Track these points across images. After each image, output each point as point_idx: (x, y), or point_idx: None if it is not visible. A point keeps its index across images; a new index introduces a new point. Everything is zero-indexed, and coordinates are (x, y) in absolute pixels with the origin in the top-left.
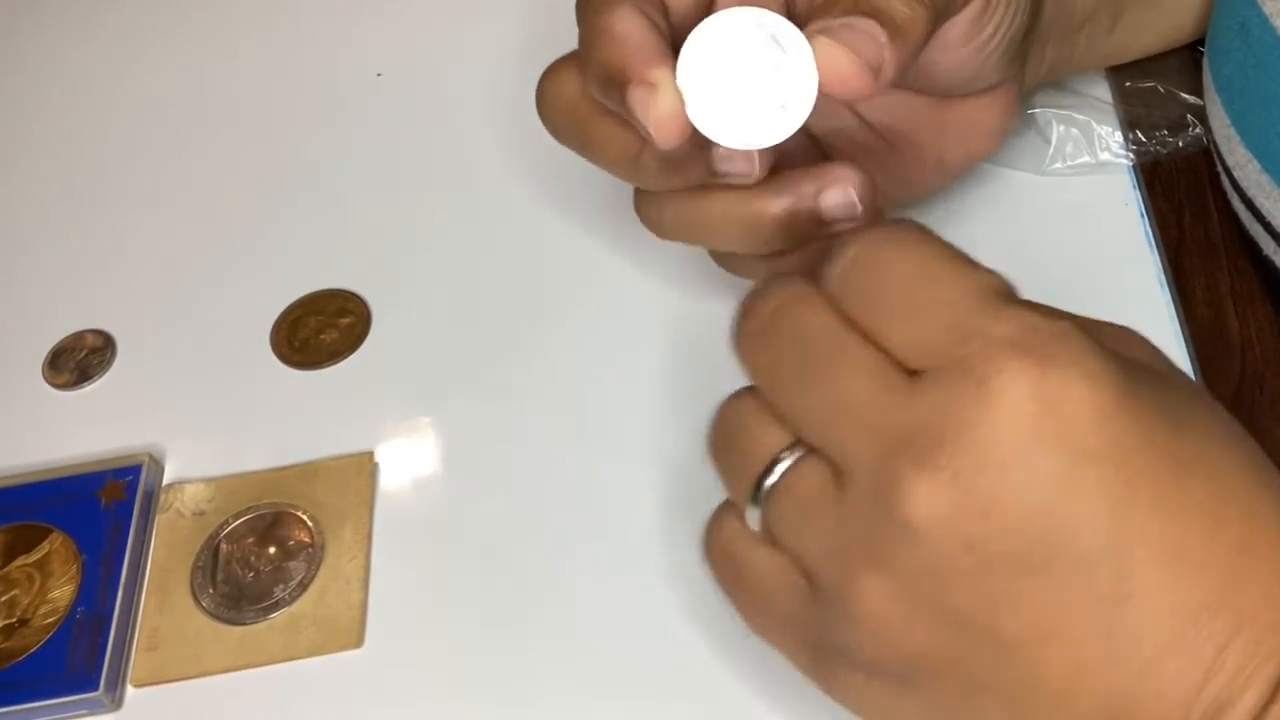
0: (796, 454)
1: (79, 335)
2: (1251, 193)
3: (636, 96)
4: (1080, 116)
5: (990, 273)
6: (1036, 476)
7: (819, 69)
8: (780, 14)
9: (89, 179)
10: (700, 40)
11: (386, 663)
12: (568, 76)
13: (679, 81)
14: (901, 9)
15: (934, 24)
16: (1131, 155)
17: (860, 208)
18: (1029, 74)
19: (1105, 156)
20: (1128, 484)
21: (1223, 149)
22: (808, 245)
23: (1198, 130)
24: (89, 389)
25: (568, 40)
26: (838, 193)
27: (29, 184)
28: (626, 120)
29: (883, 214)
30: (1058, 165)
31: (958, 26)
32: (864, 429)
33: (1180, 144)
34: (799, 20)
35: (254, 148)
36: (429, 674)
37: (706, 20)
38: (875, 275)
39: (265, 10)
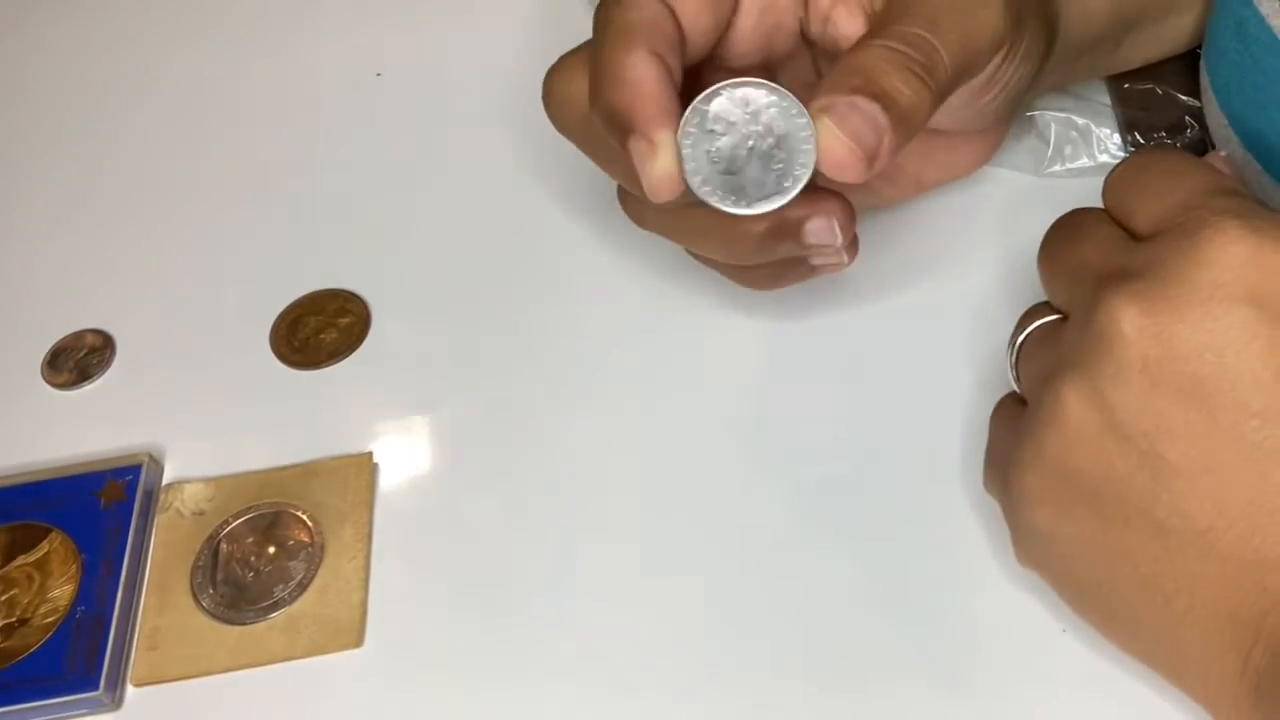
0: (1048, 318)
1: (78, 335)
2: (1252, 193)
3: (637, 149)
4: (1079, 119)
5: (1230, 177)
6: (1218, 318)
7: (818, 151)
8: (801, 15)
9: (89, 178)
10: (706, 105)
11: (387, 662)
12: (577, 76)
13: (680, 141)
14: (907, 94)
15: (938, 105)
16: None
17: (841, 239)
18: (1025, 103)
19: (1104, 159)
20: None
21: (1221, 149)
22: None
23: (1195, 132)
24: (88, 388)
25: (567, 40)
26: (822, 223)
27: (29, 183)
28: None
29: (857, 239)
30: (1056, 167)
31: (961, 95)
32: (1091, 275)
33: (1178, 145)
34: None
35: (254, 147)
36: (429, 673)
37: (716, 87)
38: (1136, 175)
39: (265, 10)
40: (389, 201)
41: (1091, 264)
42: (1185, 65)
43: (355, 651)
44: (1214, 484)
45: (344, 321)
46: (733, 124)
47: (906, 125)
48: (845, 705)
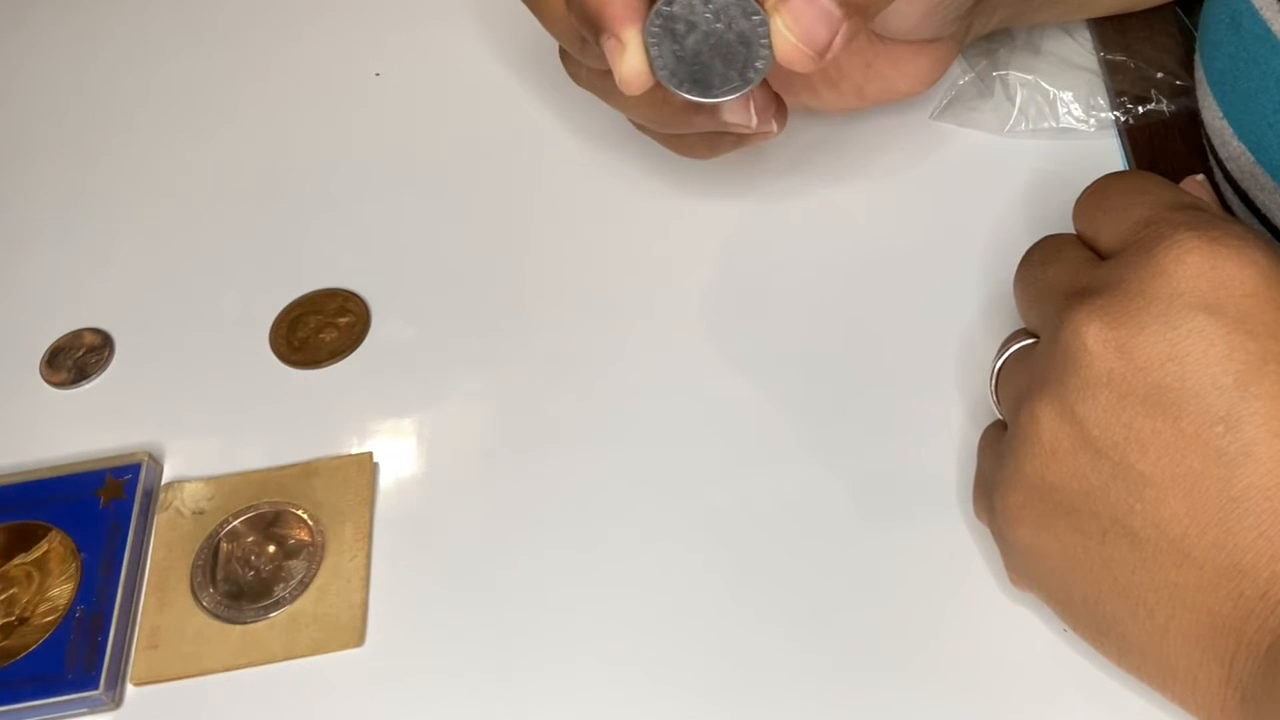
0: (1023, 342)
1: (77, 334)
2: (1245, 185)
3: (608, 47)
4: (1045, 84)
5: (1189, 193)
6: (1176, 326)
7: (773, 46)
8: None
9: (87, 177)
10: (669, 7)
11: (387, 661)
12: None
13: (647, 39)
14: None
15: None
16: (1093, 122)
17: (756, 120)
18: (973, 30)
19: (1067, 122)
20: (1260, 357)
21: (1215, 141)
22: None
23: (1160, 105)
24: (87, 387)
25: None
26: (738, 104)
27: (27, 182)
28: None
29: (785, 113)
30: (1021, 127)
31: None
32: (1059, 296)
33: (1140, 110)
34: None
35: (254, 146)
36: (430, 673)
37: None
38: (1101, 196)
39: (265, 10)
40: (389, 201)
41: (1059, 285)
42: (1161, 42)
43: (356, 651)
44: (1184, 492)
45: (344, 321)
46: (694, 23)
47: (863, 14)
48: (844, 710)
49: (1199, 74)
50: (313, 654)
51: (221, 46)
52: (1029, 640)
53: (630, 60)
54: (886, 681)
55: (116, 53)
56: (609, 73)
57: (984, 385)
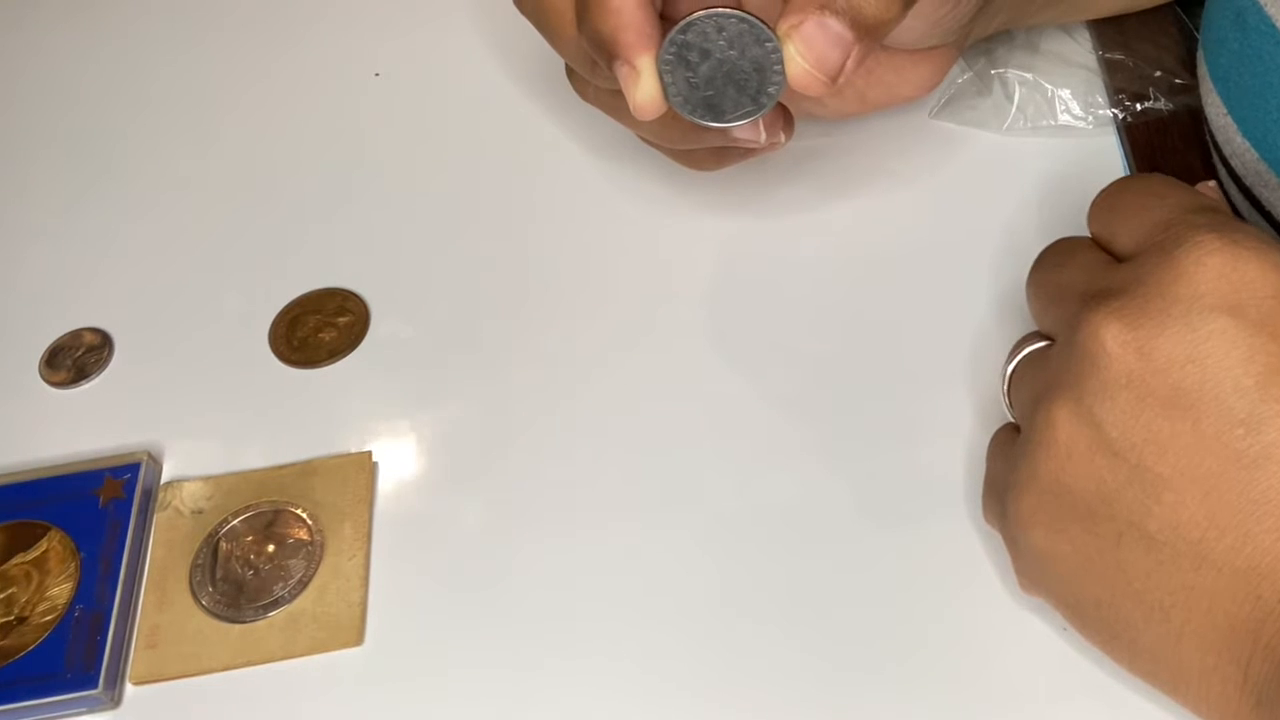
0: (1037, 344)
1: (76, 333)
2: (1249, 181)
3: (621, 73)
4: (1044, 82)
5: (1208, 197)
6: (1197, 329)
7: (786, 72)
8: None
9: (87, 177)
10: (683, 35)
11: (386, 661)
12: None
13: (660, 66)
14: (874, 8)
15: (905, 13)
16: (1091, 120)
17: (765, 137)
18: (974, 34)
19: (1065, 120)
20: None
21: (1219, 138)
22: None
23: (1159, 103)
24: (86, 387)
25: None
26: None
27: (27, 181)
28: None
29: (792, 124)
30: (1020, 125)
31: (925, 4)
32: (1076, 297)
33: (1139, 108)
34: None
35: (253, 146)
36: (429, 672)
37: (691, 17)
38: (1117, 198)
39: (265, 10)
40: (389, 201)
41: (1075, 287)
42: (1160, 40)
43: (355, 650)
44: (1203, 494)
45: (343, 320)
46: (708, 51)
47: (874, 35)
48: (848, 713)
49: (1202, 71)
50: (312, 653)
51: (222, 47)
52: (1037, 644)
53: (644, 88)
54: (892, 685)
55: (117, 52)
56: (618, 92)
57: (992, 387)
